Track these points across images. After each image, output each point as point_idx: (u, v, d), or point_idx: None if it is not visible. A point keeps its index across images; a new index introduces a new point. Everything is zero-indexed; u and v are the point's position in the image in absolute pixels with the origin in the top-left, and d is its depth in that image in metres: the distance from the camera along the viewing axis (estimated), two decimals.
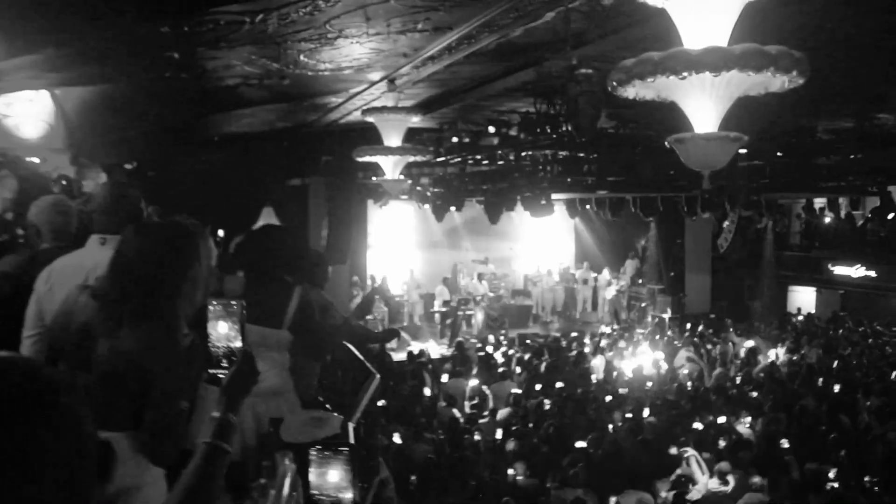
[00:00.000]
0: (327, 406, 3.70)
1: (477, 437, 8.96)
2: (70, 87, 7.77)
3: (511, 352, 14.45)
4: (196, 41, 5.56)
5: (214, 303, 2.05)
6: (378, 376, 3.86)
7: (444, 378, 11.94)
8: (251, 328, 3.35)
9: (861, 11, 5.93)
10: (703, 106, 3.74)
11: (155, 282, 2.23)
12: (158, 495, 2.22)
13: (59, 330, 2.39)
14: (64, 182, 8.02)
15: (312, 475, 1.99)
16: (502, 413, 10.17)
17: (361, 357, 4.03)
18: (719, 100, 3.69)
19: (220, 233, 9.32)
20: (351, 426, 2.90)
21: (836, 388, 11.35)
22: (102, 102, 8.57)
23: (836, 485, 7.16)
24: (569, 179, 12.01)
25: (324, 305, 4.15)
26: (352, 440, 2.76)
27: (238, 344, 2.01)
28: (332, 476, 1.99)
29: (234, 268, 3.53)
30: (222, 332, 2.02)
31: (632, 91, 3.82)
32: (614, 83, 3.73)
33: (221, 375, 1.96)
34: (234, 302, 2.06)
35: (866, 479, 7.45)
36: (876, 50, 7.26)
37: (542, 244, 21.35)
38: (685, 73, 3.38)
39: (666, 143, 3.97)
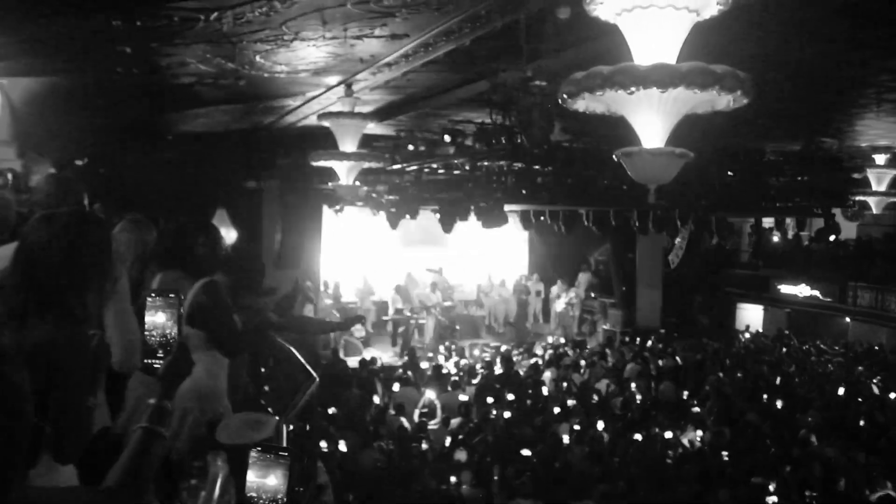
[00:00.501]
0: (269, 409, 3.66)
1: (424, 445, 8.94)
2: (17, 78, 7.59)
3: (462, 362, 14.46)
4: (149, 37, 5.48)
5: (154, 294, 2.09)
6: (317, 379, 3.83)
7: (396, 387, 11.90)
8: None
9: (809, 40, 6.11)
10: (651, 121, 3.80)
11: (60, 272, 2.15)
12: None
13: None
14: (10, 175, 7.82)
15: (251, 477, 1.98)
16: (454, 423, 10.17)
17: (302, 360, 4.01)
18: (667, 116, 3.76)
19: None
20: (284, 428, 2.86)
21: (779, 404, 11.60)
22: (52, 95, 8.38)
23: (776, 499, 7.30)
24: (523, 191, 12.09)
25: (250, 307, 4.10)
26: (284, 442, 2.72)
27: (174, 334, 2.06)
28: (271, 480, 1.98)
29: (153, 264, 3.46)
30: (160, 322, 2.06)
31: (582, 104, 3.88)
32: (564, 96, 3.78)
33: (157, 365, 2.03)
34: (172, 294, 2.10)
35: (806, 493, 7.60)
36: (822, 76, 7.48)
37: (496, 255, 21.43)
38: (633, 88, 3.43)
39: (614, 156, 4.03)
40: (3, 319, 2.08)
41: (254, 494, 1.96)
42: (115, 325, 2.71)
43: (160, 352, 2.06)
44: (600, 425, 9.97)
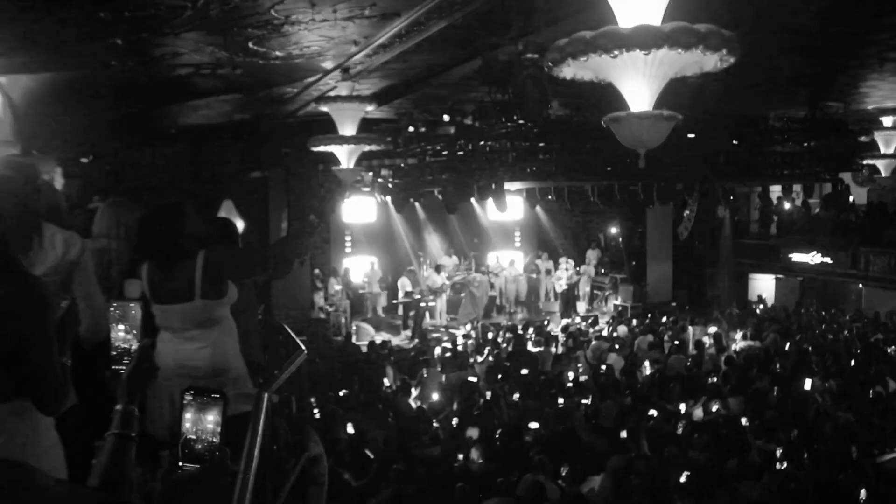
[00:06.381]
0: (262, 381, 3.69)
1: (435, 424, 8.98)
2: (16, 76, 7.61)
3: (470, 342, 14.50)
4: (138, 27, 5.48)
5: (115, 305, 2.21)
6: (305, 352, 3.86)
7: (425, 372, 11.87)
8: (171, 309, 3.34)
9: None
10: (638, 85, 3.78)
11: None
12: (56, 460, 2.30)
13: None
14: None
15: (189, 418, 2.02)
16: (462, 401, 10.20)
17: (292, 333, 4.05)
18: (653, 79, 3.74)
19: None
20: (265, 398, 2.88)
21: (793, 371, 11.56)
22: (53, 92, 8.40)
23: (786, 465, 7.30)
24: (531, 168, 12.04)
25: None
26: (263, 411, 2.74)
27: (134, 344, 2.18)
28: (208, 418, 2.03)
29: (143, 255, 3.47)
30: (120, 335, 2.20)
31: (568, 71, 3.86)
32: (549, 63, 3.76)
33: (122, 371, 2.11)
34: (132, 305, 2.21)
35: (812, 454, 7.59)
36: (822, 38, 7.39)
37: (506, 234, 21.44)
38: (616, 52, 3.41)
39: (602, 122, 4.01)
40: None
41: (193, 437, 2.00)
42: (81, 295, 2.84)
43: (125, 359, 2.16)
44: (610, 400, 9.97)
